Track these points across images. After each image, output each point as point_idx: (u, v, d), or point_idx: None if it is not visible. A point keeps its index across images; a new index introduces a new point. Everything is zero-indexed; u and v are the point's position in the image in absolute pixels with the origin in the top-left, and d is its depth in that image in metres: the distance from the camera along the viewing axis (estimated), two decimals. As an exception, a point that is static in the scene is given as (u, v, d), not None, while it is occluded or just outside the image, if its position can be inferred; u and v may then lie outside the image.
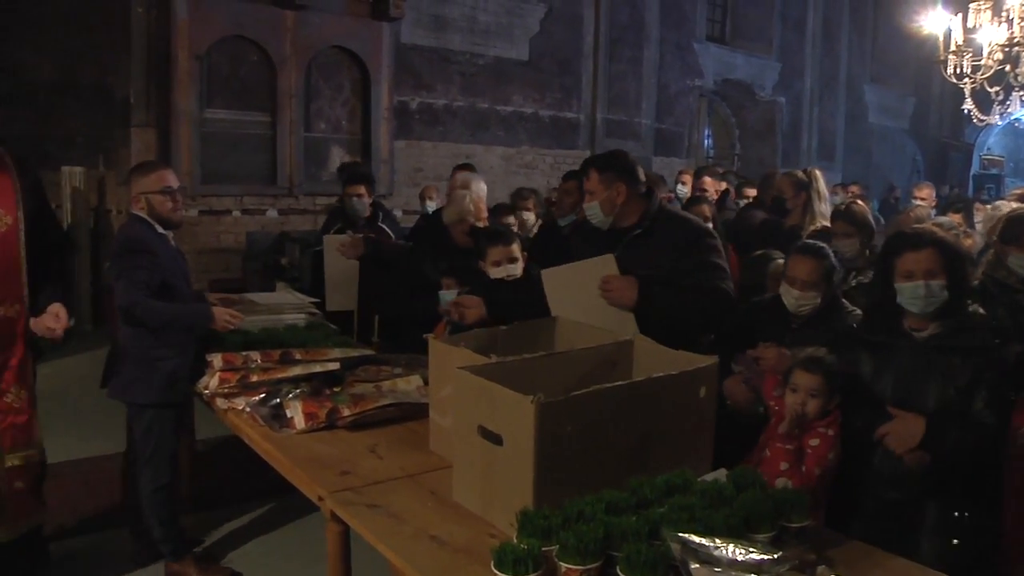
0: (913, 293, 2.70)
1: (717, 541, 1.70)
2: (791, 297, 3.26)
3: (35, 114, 8.85)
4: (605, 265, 3.23)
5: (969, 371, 2.64)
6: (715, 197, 6.63)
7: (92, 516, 4.42)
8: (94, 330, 8.67)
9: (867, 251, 4.38)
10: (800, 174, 5.59)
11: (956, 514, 2.67)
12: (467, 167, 6.40)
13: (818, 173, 5.62)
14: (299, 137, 8.86)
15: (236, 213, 8.64)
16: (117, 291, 3.52)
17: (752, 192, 6.90)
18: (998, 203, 5.72)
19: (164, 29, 7.87)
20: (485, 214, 4.88)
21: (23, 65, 8.90)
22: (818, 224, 5.28)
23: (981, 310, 2.83)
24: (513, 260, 3.91)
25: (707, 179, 7.07)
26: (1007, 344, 2.74)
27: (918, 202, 7.47)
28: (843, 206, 4.76)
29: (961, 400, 2.63)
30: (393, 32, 9.45)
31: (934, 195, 8.20)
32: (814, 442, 2.71)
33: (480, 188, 4.87)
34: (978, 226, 6.20)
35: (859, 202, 5.06)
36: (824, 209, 5.44)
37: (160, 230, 3.67)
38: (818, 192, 5.47)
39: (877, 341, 2.86)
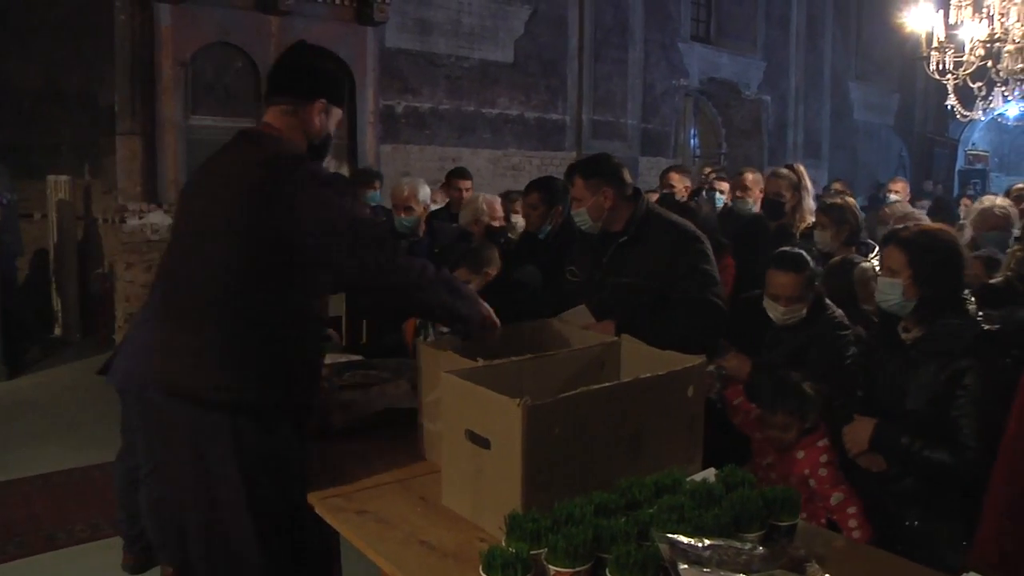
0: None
1: (706, 541, 1.70)
2: (777, 312, 3.28)
3: (20, 123, 8.81)
4: (579, 315, 3.21)
5: (945, 379, 2.60)
6: (684, 195, 6.43)
7: (83, 525, 4.40)
8: (82, 340, 8.65)
9: (853, 247, 4.42)
10: (790, 173, 5.51)
11: (907, 523, 2.65)
12: (460, 171, 6.42)
13: (803, 169, 5.60)
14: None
15: (223, 220, 8.61)
16: None
17: (725, 186, 6.80)
18: (983, 198, 5.75)
19: (148, 36, 7.82)
20: (500, 214, 4.92)
21: (7, 73, 8.87)
22: (808, 221, 5.23)
23: (979, 313, 2.76)
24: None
25: (673, 175, 6.84)
26: (994, 354, 2.65)
27: (893, 196, 7.55)
28: (828, 201, 4.80)
29: (932, 409, 2.60)
30: (378, 36, 9.42)
31: (908, 189, 8.38)
32: (823, 458, 2.77)
33: (424, 191, 4.97)
34: (964, 221, 6.22)
35: (846, 198, 5.08)
36: (812, 205, 5.43)
37: None
38: (807, 188, 5.46)
39: (876, 340, 2.89)
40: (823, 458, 2.78)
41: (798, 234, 5.07)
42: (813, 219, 5.18)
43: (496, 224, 4.76)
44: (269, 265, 2.27)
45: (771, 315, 3.29)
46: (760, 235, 5.27)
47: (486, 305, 2.55)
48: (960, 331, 2.64)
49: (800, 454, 2.81)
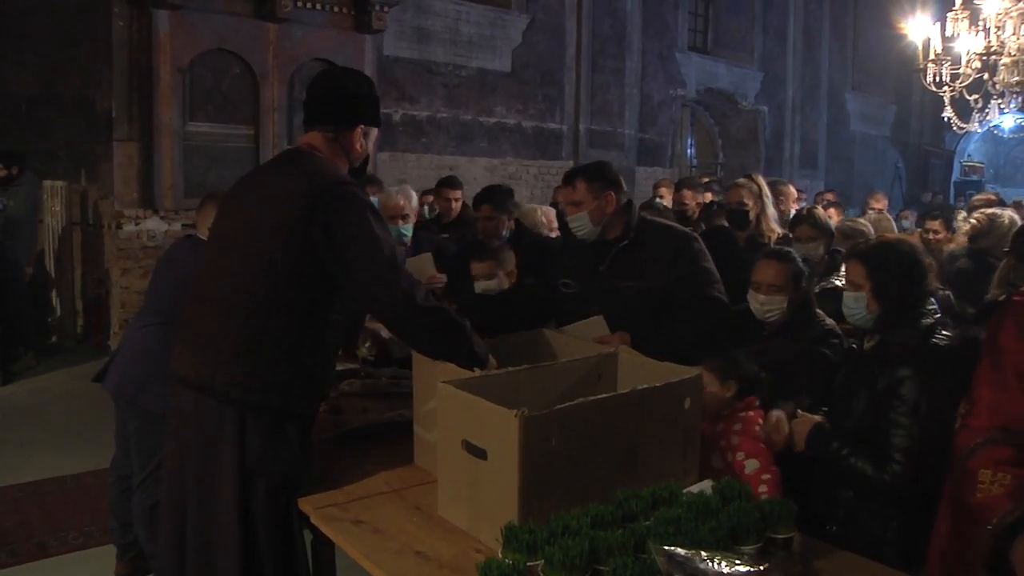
0: None
1: (703, 554, 1.69)
2: (757, 302, 3.27)
3: (17, 128, 8.81)
4: (596, 326, 3.22)
5: (883, 387, 2.61)
6: (697, 211, 6.45)
7: (75, 533, 4.38)
8: (78, 345, 8.62)
9: (827, 255, 4.41)
10: (750, 182, 5.38)
11: (827, 527, 2.62)
12: (450, 180, 6.41)
13: (761, 179, 5.50)
14: (282, 150, 8.79)
15: (220, 226, 8.60)
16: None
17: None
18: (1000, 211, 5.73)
19: (146, 42, 7.82)
20: (556, 224, 4.91)
21: (3, 78, 8.86)
22: (777, 231, 5.11)
23: (941, 329, 2.74)
24: (489, 277, 3.88)
25: (687, 192, 6.88)
26: (935, 369, 2.59)
27: (871, 212, 7.60)
28: (804, 210, 4.74)
29: (870, 417, 2.62)
30: (376, 44, 9.43)
31: (887, 203, 8.77)
32: (737, 426, 2.76)
33: (415, 198, 4.92)
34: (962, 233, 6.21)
35: (819, 207, 5.04)
36: (774, 213, 5.34)
37: None
38: (768, 196, 5.37)
39: (847, 347, 2.98)
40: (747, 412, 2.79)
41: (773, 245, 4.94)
42: (779, 230, 5.11)
43: (554, 235, 4.79)
44: (300, 282, 2.38)
45: (752, 307, 3.28)
46: (729, 246, 4.95)
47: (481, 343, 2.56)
48: (908, 340, 2.67)
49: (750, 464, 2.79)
